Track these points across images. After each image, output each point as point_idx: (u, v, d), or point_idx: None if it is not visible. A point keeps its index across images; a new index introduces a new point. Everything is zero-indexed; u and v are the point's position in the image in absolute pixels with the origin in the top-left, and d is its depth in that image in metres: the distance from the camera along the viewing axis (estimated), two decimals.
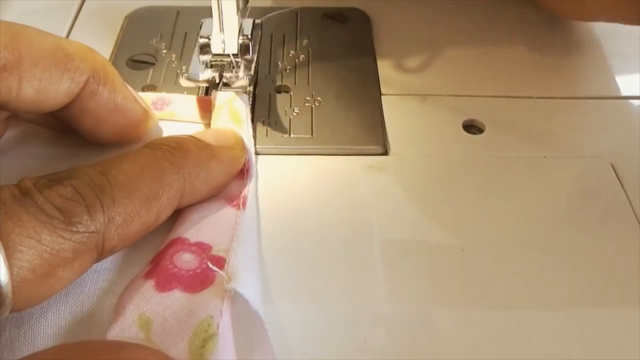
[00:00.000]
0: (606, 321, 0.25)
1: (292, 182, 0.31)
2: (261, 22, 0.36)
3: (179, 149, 0.26)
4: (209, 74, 0.33)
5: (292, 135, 0.33)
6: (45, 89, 0.26)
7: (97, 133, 0.29)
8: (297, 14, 0.41)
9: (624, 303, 0.26)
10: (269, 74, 0.37)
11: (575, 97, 0.36)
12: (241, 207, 0.28)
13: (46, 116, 0.29)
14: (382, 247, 0.28)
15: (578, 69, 0.38)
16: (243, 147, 0.30)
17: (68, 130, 0.30)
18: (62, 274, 0.22)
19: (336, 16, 0.41)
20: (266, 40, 0.39)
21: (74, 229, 0.22)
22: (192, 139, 0.28)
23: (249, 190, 0.29)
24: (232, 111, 0.32)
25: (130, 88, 0.30)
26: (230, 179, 0.29)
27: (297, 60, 0.38)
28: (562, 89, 0.36)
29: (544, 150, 0.33)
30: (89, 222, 0.22)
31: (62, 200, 0.22)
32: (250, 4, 0.32)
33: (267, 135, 0.33)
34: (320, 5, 0.42)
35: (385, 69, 0.37)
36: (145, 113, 0.30)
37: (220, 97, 0.33)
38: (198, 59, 0.33)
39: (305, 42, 0.39)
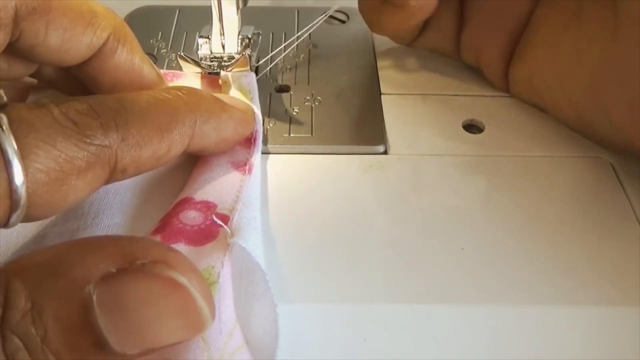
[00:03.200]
0: (606, 321, 0.25)
1: (292, 182, 0.31)
2: (260, 32, 0.37)
3: (193, 93, 0.28)
4: (208, 63, 0.34)
5: (292, 135, 0.33)
6: (69, 39, 0.27)
7: (113, 93, 0.30)
8: (297, 13, 0.41)
9: (624, 303, 0.26)
10: (269, 73, 0.37)
11: None
12: (247, 172, 0.29)
13: (66, 78, 0.31)
14: (382, 247, 0.28)
15: None
16: (253, 115, 0.31)
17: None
18: (75, 183, 0.22)
19: (336, 16, 0.41)
20: (266, 40, 0.39)
21: (88, 140, 0.22)
22: (205, 90, 0.29)
23: (255, 159, 0.30)
24: (241, 88, 0.33)
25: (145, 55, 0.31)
26: (238, 139, 0.30)
27: (297, 60, 0.38)
28: None
29: (544, 150, 0.33)
30: (103, 137, 0.23)
31: (78, 114, 0.23)
32: (250, 4, 0.33)
33: (267, 134, 0.33)
34: (320, 5, 0.42)
35: (385, 69, 0.37)
36: (160, 77, 0.31)
37: (228, 76, 0.34)
38: (197, 55, 0.34)
39: (305, 42, 0.39)
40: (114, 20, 0.29)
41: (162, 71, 0.35)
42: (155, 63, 0.37)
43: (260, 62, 0.36)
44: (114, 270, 0.19)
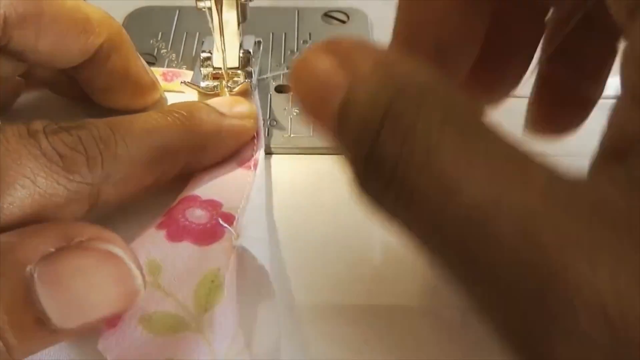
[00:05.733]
0: None
1: (292, 182, 0.31)
2: (260, 40, 0.37)
3: (190, 118, 0.27)
4: (210, 83, 0.34)
5: (292, 135, 0.33)
6: (61, 44, 0.27)
7: (107, 98, 0.31)
8: (297, 13, 0.41)
9: None
10: (269, 73, 0.37)
11: None
12: (252, 168, 0.29)
13: (61, 78, 0.31)
14: (382, 247, 0.28)
15: None
16: (255, 118, 0.31)
17: (80, 98, 0.31)
18: (52, 216, 0.22)
19: (336, 16, 0.41)
20: (266, 40, 0.39)
21: (71, 177, 0.22)
22: (206, 108, 0.28)
23: (260, 154, 0.30)
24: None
25: (141, 59, 0.31)
26: (238, 149, 0.30)
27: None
28: None
29: (544, 150, 0.32)
30: (87, 174, 0.23)
31: (65, 147, 0.22)
32: (250, 4, 0.33)
33: (267, 135, 0.33)
34: (320, 5, 0.42)
35: None
36: (154, 84, 0.31)
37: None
38: (200, 71, 0.34)
39: (305, 42, 0.39)
40: (110, 26, 0.29)
41: (162, 70, 0.35)
42: (155, 63, 0.37)
43: (262, 77, 0.36)
44: (52, 249, 0.20)
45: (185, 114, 0.27)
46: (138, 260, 0.22)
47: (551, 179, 0.16)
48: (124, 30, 0.30)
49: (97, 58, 0.29)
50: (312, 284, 0.26)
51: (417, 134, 0.16)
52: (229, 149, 0.29)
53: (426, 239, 0.17)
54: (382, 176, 0.17)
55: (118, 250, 0.21)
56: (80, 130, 0.23)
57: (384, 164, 0.17)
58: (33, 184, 0.21)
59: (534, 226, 0.15)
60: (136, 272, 0.21)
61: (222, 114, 0.28)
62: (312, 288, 0.26)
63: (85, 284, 0.20)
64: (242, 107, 0.30)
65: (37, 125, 0.23)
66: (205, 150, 0.27)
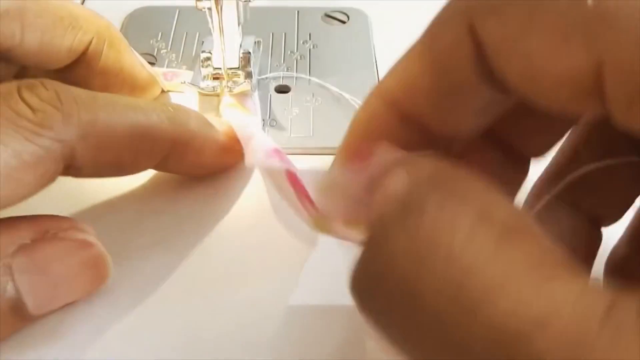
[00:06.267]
0: None
1: None
2: (260, 40, 0.37)
3: (178, 112, 0.26)
4: (210, 83, 0.34)
5: (292, 135, 0.33)
6: (48, 42, 0.26)
7: None
8: (297, 13, 0.41)
9: None
10: (269, 73, 0.37)
11: None
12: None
13: (55, 78, 0.30)
14: None
15: None
16: (241, 147, 0.29)
17: None
18: (23, 177, 0.21)
19: (336, 16, 0.41)
20: (266, 40, 0.39)
21: (43, 132, 0.21)
22: (196, 113, 0.28)
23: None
24: (242, 107, 0.33)
25: (137, 54, 0.31)
26: (221, 166, 0.29)
27: (297, 60, 0.38)
28: None
29: None
30: (61, 129, 0.21)
31: (40, 102, 0.21)
32: (250, 4, 0.33)
33: (267, 135, 0.33)
34: (320, 5, 0.42)
35: (385, 69, 0.37)
36: (152, 78, 0.31)
37: (228, 99, 0.33)
38: (200, 72, 0.34)
39: (305, 42, 0.39)
40: (98, 23, 0.28)
41: (161, 70, 0.35)
42: (155, 63, 0.37)
43: (261, 77, 0.36)
44: (28, 242, 0.21)
45: (172, 109, 0.26)
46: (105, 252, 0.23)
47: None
48: (114, 27, 0.29)
49: (88, 57, 0.28)
50: (312, 283, 0.26)
51: None
52: (212, 157, 0.28)
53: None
54: None
55: (92, 239, 0.22)
56: (59, 87, 0.22)
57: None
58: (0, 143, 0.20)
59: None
60: (108, 257, 0.22)
61: (211, 125, 0.28)
62: (312, 288, 0.26)
63: (62, 269, 0.21)
64: (231, 131, 0.29)
65: (11, 85, 0.22)
66: (187, 148, 0.26)
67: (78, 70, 0.28)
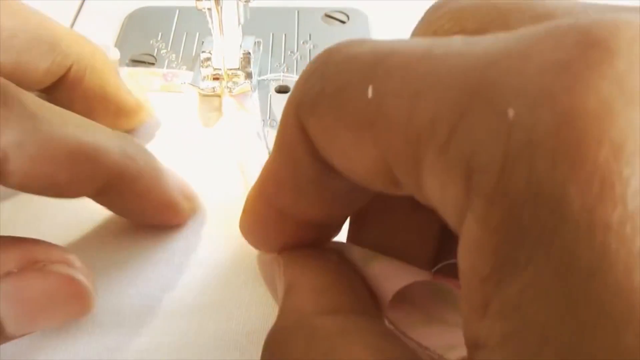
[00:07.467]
0: None
1: None
2: (260, 40, 0.37)
3: (132, 144, 0.24)
4: (210, 83, 0.34)
5: None
6: (24, 63, 0.25)
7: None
8: (297, 14, 0.41)
9: None
10: (269, 73, 0.37)
11: None
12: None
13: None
14: None
15: None
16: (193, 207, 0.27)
17: None
18: None
19: (336, 16, 0.41)
20: (266, 41, 0.39)
21: None
22: (152, 157, 0.25)
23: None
24: (245, 110, 0.33)
25: (122, 81, 0.30)
26: (160, 219, 0.26)
27: (297, 60, 0.38)
28: None
29: None
30: None
31: None
32: (250, 4, 0.33)
33: (267, 135, 0.33)
34: (320, 5, 0.42)
35: None
36: (138, 104, 0.30)
37: (229, 102, 0.33)
38: (200, 72, 0.34)
39: (305, 42, 0.39)
40: (81, 48, 0.27)
41: (161, 71, 0.35)
42: (155, 63, 0.37)
43: (261, 77, 0.36)
44: (15, 270, 0.20)
45: (130, 139, 0.25)
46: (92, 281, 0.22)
47: None
48: (100, 52, 0.29)
49: (69, 80, 0.27)
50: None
51: None
52: (154, 205, 0.25)
53: None
54: None
55: (78, 275, 0.22)
56: (11, 91, 0.21)
57: None
58: None
59: None
60: (92, 293, 0.22)
61: (162, 172, 0.25)
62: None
63: (45, 302, 0.21)
64: (186, 188, 0.27)
65: None
66: (130, 185, 0.24)
67: (59, 92, 0.28)
